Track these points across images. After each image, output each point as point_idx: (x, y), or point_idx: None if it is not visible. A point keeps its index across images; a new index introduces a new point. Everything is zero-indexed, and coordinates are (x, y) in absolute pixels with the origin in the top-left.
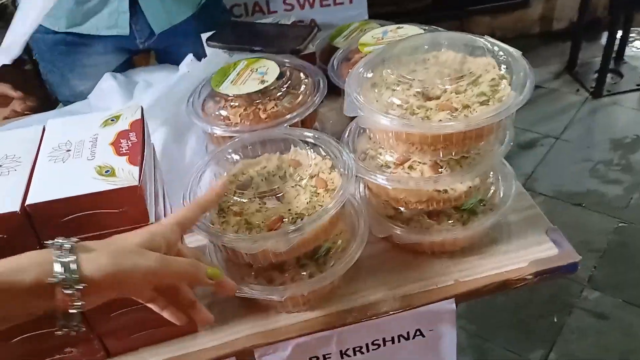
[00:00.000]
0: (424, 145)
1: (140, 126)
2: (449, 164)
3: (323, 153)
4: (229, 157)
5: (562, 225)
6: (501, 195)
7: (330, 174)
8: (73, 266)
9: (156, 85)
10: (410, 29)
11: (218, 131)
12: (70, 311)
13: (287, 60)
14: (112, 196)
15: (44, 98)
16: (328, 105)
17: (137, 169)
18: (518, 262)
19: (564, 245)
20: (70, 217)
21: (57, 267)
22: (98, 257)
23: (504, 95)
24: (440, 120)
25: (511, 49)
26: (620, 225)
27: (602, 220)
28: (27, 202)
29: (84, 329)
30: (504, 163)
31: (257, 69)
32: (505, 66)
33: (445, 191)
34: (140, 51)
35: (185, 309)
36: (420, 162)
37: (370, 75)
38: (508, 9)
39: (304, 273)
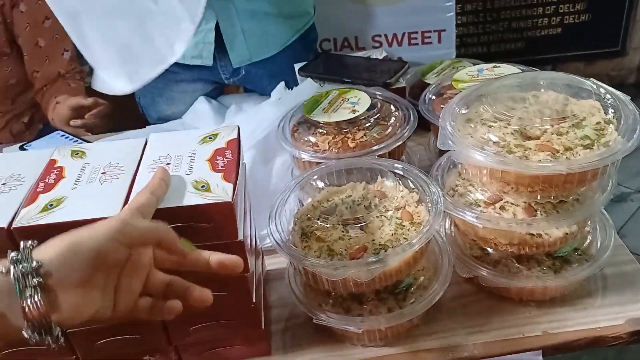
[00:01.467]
0: (520, 186)
1: (236, 145)
2: (545, 207)
3: (411, 186)
4: (314, 183)
5: None
6: (598, 246)
7: (416, 207)
8: (26, 252)
9: (247, 110)
10: (506, 68)
11: (305, 156)
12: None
13: (378, 93)
14: (205, 210)
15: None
16: (416, 140)
17: (231, 186)
18: (614, 318)
19: None
20: None
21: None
22: (52, 241)
23: (610, 140)
24: (540, 160)
25: (619, 93)
26: None
27: None
28: None
29: (62, 341)
30: (602, 213)
31: (348, 99)
32: (612, 110)
33: (540, 235)
34: (225, 84)
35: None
36: (512, 204)
37: (465, 111)
38: (604, 57)
39: (383, 307)
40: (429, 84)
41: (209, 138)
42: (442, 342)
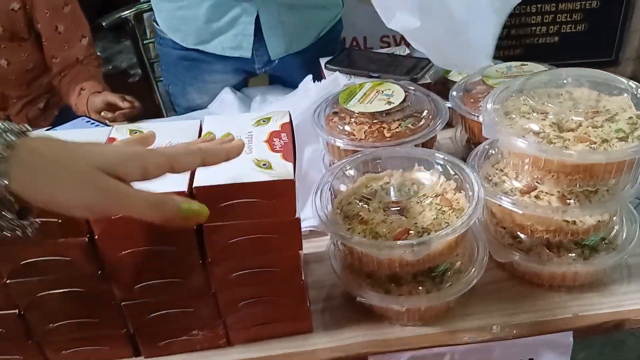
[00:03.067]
0: (561, 174)
1: (289, 128)
2: (578, 197)
3: (451, 173)
4: (351, 170)
5: None
6: (624, 236)
7: (454, 194)
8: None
9: (274, 101)
10: (534, 66)
11: (342, 144)
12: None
13: (410, 87)
14: (269, 187)
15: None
16: (441, 134)
17: (291, 164)
18: (638, 303)
19: None
20: (229, 202)
21: None
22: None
23: None
24: (581, 150)
25: None
26: None
27: None
28: (195, 184)
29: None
30: (628, 206)
31: (382, 91)
32: None
33: (574, 222)
34: (256, 74)
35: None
36: (547, 193)
37: (502, 104)
38: (598, 66)
39: (422, 289)
40: (450, 81)
41: (263, 121)
42: (478, 323)
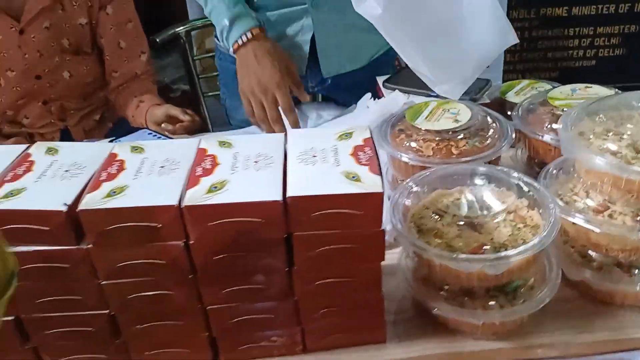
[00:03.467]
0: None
1: (371, 143)
2: None
3: (525, 190)
4: (417, 188)
5: None
6: None
7: (527, 212)
8: None
9: (331, 119)
10: (598, 89)
11: (409, 160)
12: None
13: (475, 106)
14: (359, 199)
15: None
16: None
17: (379, 177)
18: None
19: None
20: (319, 212)
21: None
22: None
23: None
24: None
25: None
26: None
27: None
28: (288, 194)
29: None
30: None
31: (449, 109)
32: None
33: None
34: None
35: None
36: (620, 213)
37: (576, 125)
38: (636, 89)
39: (495, 304)
40: (508, 101)
41: (345, 136)
42: (551, 340)
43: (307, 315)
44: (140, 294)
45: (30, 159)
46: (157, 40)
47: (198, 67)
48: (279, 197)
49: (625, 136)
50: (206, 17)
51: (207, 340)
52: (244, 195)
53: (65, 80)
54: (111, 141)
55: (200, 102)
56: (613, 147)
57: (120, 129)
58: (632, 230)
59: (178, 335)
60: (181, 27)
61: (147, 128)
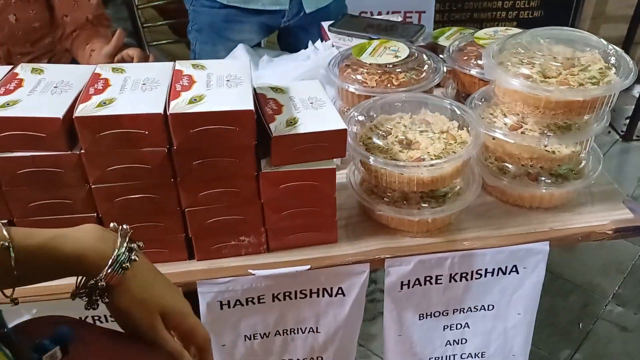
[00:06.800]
0: (547, 110)
1: None
2: (555, 133)
3: (458, 113)
4: (366, 113)
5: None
6: (590, 169)
7: (458, 131)
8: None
9: (280, 62)
10: (514, 30)
11: (355, 90)
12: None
13: (413, 45)
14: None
15: None
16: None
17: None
18: (601, 220)
19: (639, 212)
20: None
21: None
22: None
23: (611, 79)
24: (563, 89)
25: (618, 48)
26: None
27: (629, 246)
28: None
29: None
30: (594, 146)
31: (390, 47)
32: (614, 59)
33: (553, 152)
34: (278, 29)
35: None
36: (530, 129)
37: (496, 57)
38: None
39: (426, 205)
40: (439, 45)
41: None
42: (473, 235)
43: (271, 216)
44: (126, 197)
45: (18, 77)
46: None
47: (141, 17)
48: (251, 107)
49: (536, 64)
50: None
51: (184, 241)
52: (221, 105)
53: (11, 23)
54: None
55: (145, 51)
56: (526, 71)
57: None
58: (538, 140)
59: (158, 235)
60: None
61: None
